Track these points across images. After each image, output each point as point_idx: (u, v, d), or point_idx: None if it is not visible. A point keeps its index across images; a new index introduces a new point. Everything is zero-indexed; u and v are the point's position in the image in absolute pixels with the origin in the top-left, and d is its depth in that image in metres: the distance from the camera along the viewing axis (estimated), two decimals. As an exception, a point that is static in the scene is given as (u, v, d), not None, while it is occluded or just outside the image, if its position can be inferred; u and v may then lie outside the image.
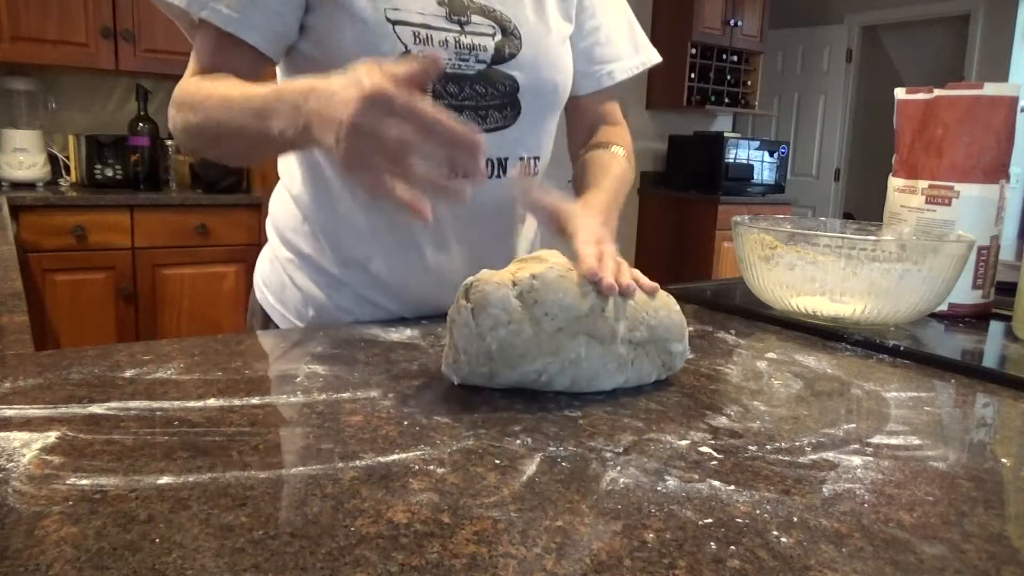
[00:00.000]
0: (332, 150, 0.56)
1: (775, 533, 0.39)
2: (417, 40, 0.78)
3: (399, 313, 0.88)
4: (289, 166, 0.91)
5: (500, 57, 0.84)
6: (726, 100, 4.86)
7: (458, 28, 0.81)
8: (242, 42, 0.75)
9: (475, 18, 0.82)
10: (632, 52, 1.01)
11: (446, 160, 0.54)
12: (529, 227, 0.98)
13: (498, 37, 0.83)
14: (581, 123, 1.00)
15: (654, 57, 1.03)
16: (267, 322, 0.95)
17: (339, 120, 0.54)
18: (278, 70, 0.85)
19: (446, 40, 0.80)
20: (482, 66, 0.83)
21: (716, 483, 0.44)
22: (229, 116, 0.70)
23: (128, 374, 0.60)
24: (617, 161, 0.92)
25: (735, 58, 4.83)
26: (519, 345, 0.57)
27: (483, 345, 0.57)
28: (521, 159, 0.88)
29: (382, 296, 0.88)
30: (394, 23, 0.77)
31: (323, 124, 0.57)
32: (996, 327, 0.90)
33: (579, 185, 0.90)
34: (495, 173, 0.86)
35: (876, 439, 0.53)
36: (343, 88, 0.55)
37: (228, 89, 0.72)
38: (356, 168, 0.54)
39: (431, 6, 0.79)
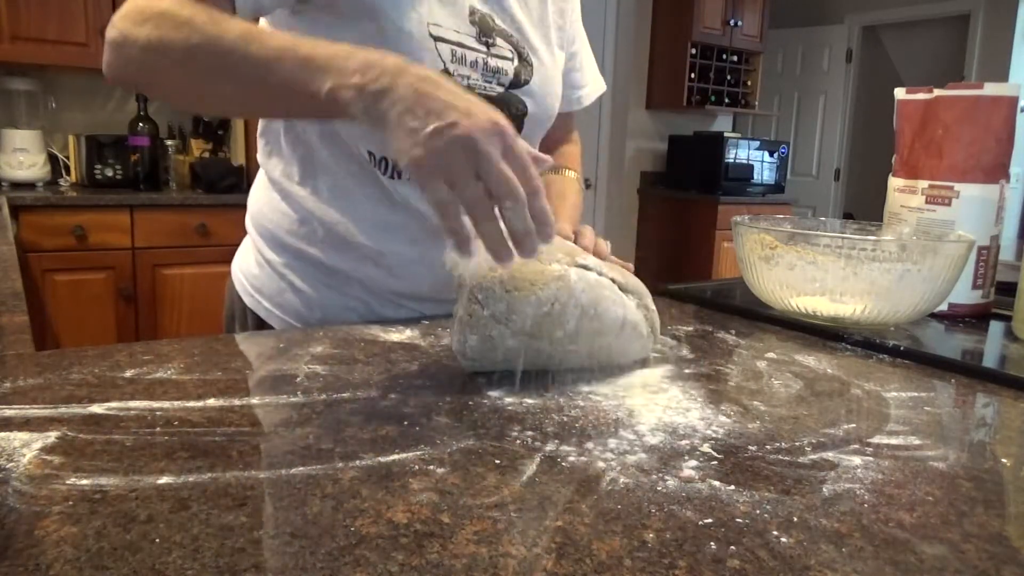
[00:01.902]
0: (411, 136, 0.52)
1: (775, 533, 0.39)
2: (454, 58, 0.80)
3: (410, 304, 0.88)
4: (280, 162, 0.87)
5: (517, 82, 0.86)
6: (726, 100, 4.86)
7: (485, 49, 0.82)
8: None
9: (499, 40, 0.84)
10: (594, 79, 1.06)
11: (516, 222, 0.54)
12: None
13: (516, 62, 0.86)
14: (545, 140, 0.99)
15: (603, 86, 1.08)
16: (261, 326, 0.91)
17: (455, 120, 0.51)
18: None
19: (476, 61, 0.82)
20: (501, 89, 0.85)
21: (716, 483, 0.44)
22: (248, 49, 0.60)
23: (128, 374, 0.60)
24: (572, 187, 0.98)
25: (735, 58, 4.83)
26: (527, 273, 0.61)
27: (495, 277, 0.61)
28: None
29: (395, 286, 0.86)
30: (436, 39, 0.78)
31: (425, 106, 0.52)
32: (996, 327, 0.90)
33: None
34: None
35: (876, 439, 0.53)
36: (467, 97, 0.54)
37: (246, 27, 0.62)
38: (435, 176, 0.52)
39: (464, 25, 0.80)
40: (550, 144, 1.01)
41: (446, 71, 0.79)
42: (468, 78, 0.81)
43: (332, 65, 0.57)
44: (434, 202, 0.53)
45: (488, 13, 0.83)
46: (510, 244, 0.54)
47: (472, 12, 0.81)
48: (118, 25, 0.65)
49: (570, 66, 0.99)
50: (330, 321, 0.87)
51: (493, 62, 0.83)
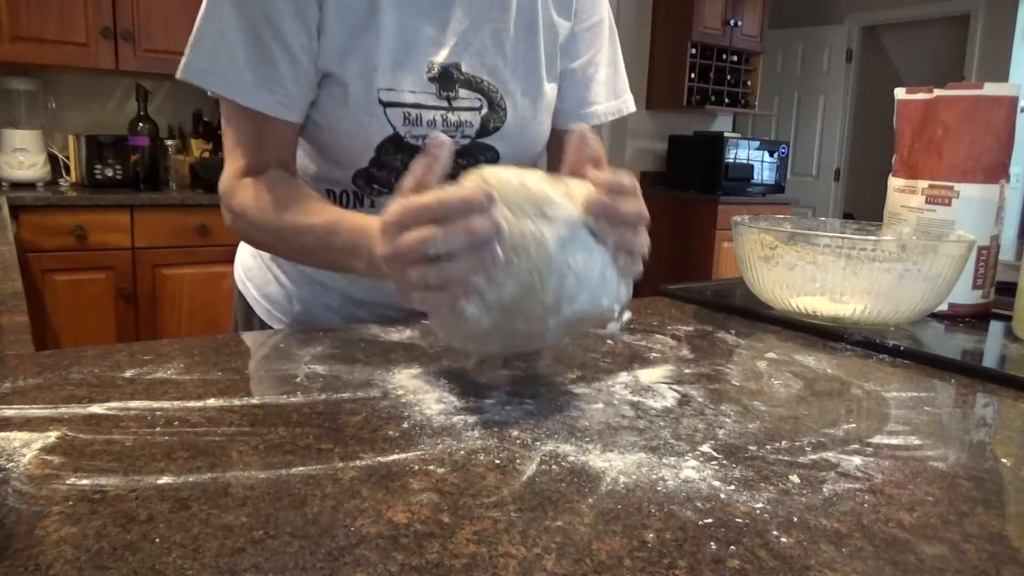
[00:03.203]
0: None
1: (775, 533, 0.39)
2: (407, 121, 0.79)
3: (386, 311, 0.88)
4: None
5: (484, 131, 0.84)
6: (726, 100, 4.87)
7: (446, 105, 0.81)
8: (268, 118, 0.75)
9: (462, 92, 0.81)
10: (612, 96, 0.95)
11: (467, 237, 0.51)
12: None
13: (484, 111, 0.83)
14: (561, 160, 0.96)
15: (629, 106, 0.97)
16: (250, 316, 0.96)
17: (377, 263, 0.56)
18: None
19: (434, 119, 0.80)
20: (466, 141, 0.83)
21: (716, 483, 0.44)
22: (300, 243, 0.72)
23: (128, 374, 0.60)
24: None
25: (735, 58, 4.84)
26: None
27: None
28: None
29: (370, 296, 0.88)
30: (386, 105, 0.77)
31: (377, 272, 0.60)
32: (996, 327, 0.90)
33: None
34: None
35: (876, 439, 0.53)
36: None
37: (299, 214, 0.72)
38: (413, 293, 0.53)
39: (422, 83, 0.79)
40: (565, 169, 0.95)
41: (397, 135, 0.78)
42: (424, 137, 0.79)
43: (358, 251, 0.65)
44: (429, 308, 0.56)
45: (453, 63, 0.80)
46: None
47: (430, 68, 0.79)
48: (223, 209, 0.80)
49: (578, 80, 0.92)
50: (310, 316, 0.90)
51: (455, 116, 0.81)
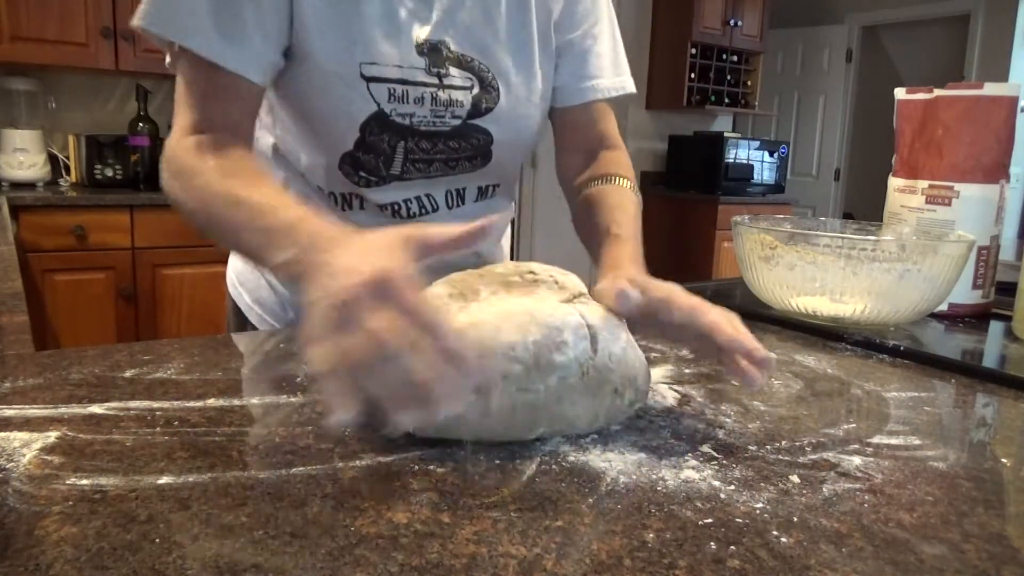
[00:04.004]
0: (306, 309, 0.46)
1: (775, 533, 0.39)
2: (392, 98, 0.75)
3: None
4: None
5: (476, 112, 0.80)
6: (726, 100, 4.86)
7: (436, 82, 0.77)
8: (236, 76, 0.69)
9: (453, 70, 0.78)
10: (615, 73, 0.90)
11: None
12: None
13: (475, 90, 0.80)
14: (575, 143, 0.91)
15: (630, 86, 0.92)
16: (243, 322, 0.93)
17: (325, 294, 0.44)
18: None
19: (422, 96, 0.76)
20: (457, 122, 0.79)
21: (716, 483, 0.44)
22: (229, 216, 0.63)
23: (128, 374, 0.60)
24: (629, 199, 0.82)
25: (735, 58, 4.83)
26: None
27: None
28: (479, 188, 0.87)
29: None
30: (369, 79, 0.73)
31: (311, 285, 0.47)
32: (996, 327, 0.90)
33: (592, 228, 0.79)
34: (454, 204, 0.85)
35: (876, 439, 0.53)
36: (349, 261, 0.46)
37: (234, 185, 0.64)
38: (318, 342, 0.43)
39: (411, 57, 0.75)
40: (580, 150, 0.90)
41: (381, 112, 0.75)
42: (412, 116, 0.76)
43: (280, 242, 0.55)
44: (321, 364, 0.43)
45: (442, 40, 0.77)
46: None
47: (421, 43, 0.75)
48: (161, 169, 0.71)
49: (576, 52, 0.87)
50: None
51: (445, 94, 0.77)
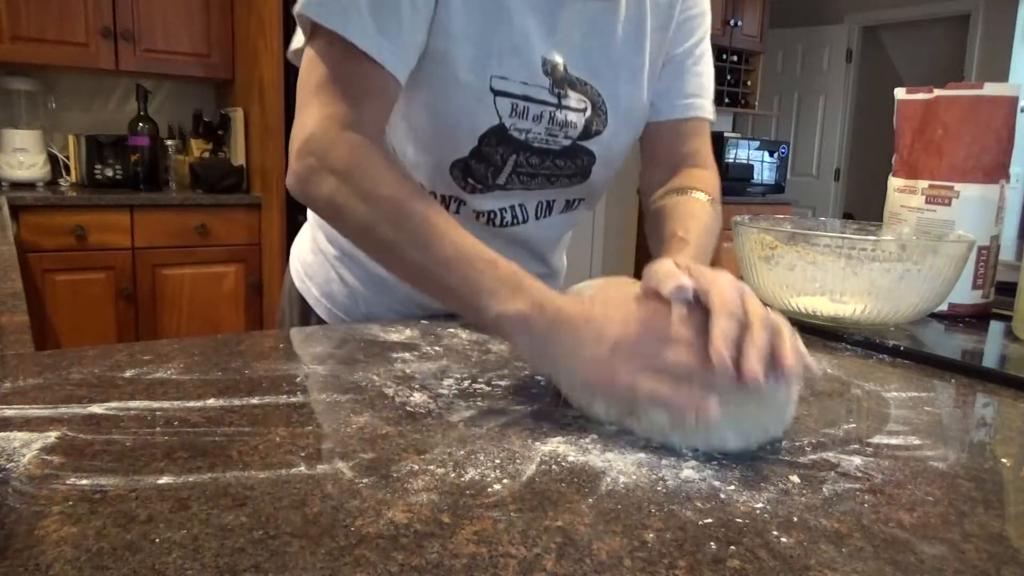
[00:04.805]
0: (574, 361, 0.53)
1: (775, 533, 0.39)
2: (514, 112, 0.76)
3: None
4: None
5: (586, 134, 0.82)
6: (726, 100, 4.87)
7: (556, 102, 0.78)
8: (386, 72, 0.68)
9: (571, 92, 0.79)
10: (709, 93, 0.91)
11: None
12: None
13: (588, 113, 0.81)
14: (660, 157, 0.91)
15: (712, 113, 0.92)
16: (307, 314, 0.93)
17: (612, 338, 0.51)
18: None
19: (541, 114, 0.78)
20: (568, 142, 0.81)
21: (716, 483, 0.44)
22: (435, 247, 0.61)
23: (128, 374, 0.60)
24: (705, 210, 0.82)
25: (735, 58, 4.84)
26: None
27: None
28: (567, 201, 0.89)
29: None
30: (496, 92, 0.75)
31: (567, 337, 0.53)
32: (996, 327, 0.90)
33: (660, 235, 0.81)
34: (542, 215, 0.87)
35: (876, 439, 0.53)
36: (613, 313, 0.52)
37: (434, 216, 0.62)
38: (632, 378, 0.50)
39: (536, 76, 0.76)
40: (665, 164, 0.91)
41: (502, 126, 0.76)
42: (528, 132, 0.78)
43: (500, 293, 0.57)
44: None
45: (561, 62, 0.78)
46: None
47: (544, 62, 0.76)
48: (308, 153, 0.66)
49: (677, 68, 0.88)
50: (374, 319, 0.87)
51: (561, 115, 0.79)
